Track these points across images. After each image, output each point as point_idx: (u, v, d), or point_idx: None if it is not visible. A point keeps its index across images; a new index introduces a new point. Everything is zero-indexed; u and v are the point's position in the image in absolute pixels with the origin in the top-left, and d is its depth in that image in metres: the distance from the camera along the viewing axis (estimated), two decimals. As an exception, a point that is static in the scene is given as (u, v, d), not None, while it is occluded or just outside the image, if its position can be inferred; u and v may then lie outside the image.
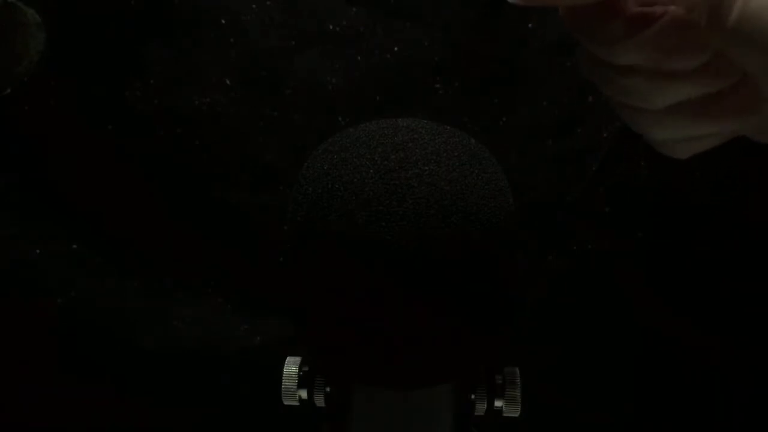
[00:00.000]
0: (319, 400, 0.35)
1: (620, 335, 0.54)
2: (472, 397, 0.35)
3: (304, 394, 0.35)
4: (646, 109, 0.30)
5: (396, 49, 0.49)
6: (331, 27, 0.49)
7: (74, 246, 0.54)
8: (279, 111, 0.51)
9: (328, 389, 0.35)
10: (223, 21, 0.49)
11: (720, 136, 0.30)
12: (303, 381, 0.35)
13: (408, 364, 0.31)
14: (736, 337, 0.54)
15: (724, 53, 0.26)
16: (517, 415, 0.35)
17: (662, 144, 0.31)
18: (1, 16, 0.45)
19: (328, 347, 0.33)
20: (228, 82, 0.50)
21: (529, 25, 0.49)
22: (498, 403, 0.35)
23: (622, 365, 0.55)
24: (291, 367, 0.36)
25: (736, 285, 0.53)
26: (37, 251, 0.53)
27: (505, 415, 0.35)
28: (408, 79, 0.50)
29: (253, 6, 0.49)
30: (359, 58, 0.50)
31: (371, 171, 0.30)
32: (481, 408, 0.35)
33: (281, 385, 0.35)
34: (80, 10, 0.50)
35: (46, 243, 0.53)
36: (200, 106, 0.50)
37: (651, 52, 0.28)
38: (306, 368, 0.36)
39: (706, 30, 0.26)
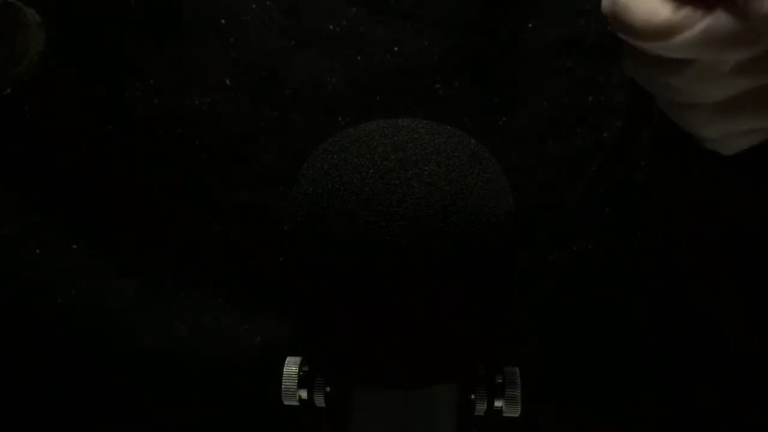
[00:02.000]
0: (319, 400, 0.35)
1: (620, 335, 0.55)
2: (472, 397, 0.35)
3: (304, 394, 0.35)
4: (698, 106, 0.30)
5: (396, 49, 0.49)
6: (331, 27, 0.49)
7: (74, 246, 0.54)
8: (279, 111, 0.51)
9: (328, 389, 0.35)
10: (223, 21, 0.49)
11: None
12: (303, 381, 0.35)
13: (408, 364, 0.31)
14: (737, 338, 0.54)
15: None
16: (517, 415, 0.35)
17: (713, 141, 0.31)
18: (1, 16, 0.45)
19: (328, 347, 0.33)
20: (228, 82, 0.50)
21: (529, 25, 0.49)
22: (498, 403, 0.35)
23: (623, 365, 0.55)
24: (291, 367, 0.36)
25: (736, 284, 0.53)
26: (37, 251, 0.53)
27: (505, 415, 0.35)
28: (408, 79, 0.50)
29: (253, 6, 0.49)
30: (359, 58, 0.50)
31: (371, 171, 0.30)
32: (481, 408, 0.35)
33: (281, 385, 0.35)
34: (80, 10, 0.50)
35: (46, 243, 0.53)
36: (200, 106, 0.50)
37: (706, 45, 0.28)
38: (306, 368, 0.36)
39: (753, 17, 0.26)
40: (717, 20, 0.27)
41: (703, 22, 0.27)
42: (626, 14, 0.29)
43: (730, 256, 0.53)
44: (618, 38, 0.31)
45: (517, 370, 0.35)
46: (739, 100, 0.30)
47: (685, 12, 0.28)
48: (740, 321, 0.53)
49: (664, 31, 0.28)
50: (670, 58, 0.29)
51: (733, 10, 0.27)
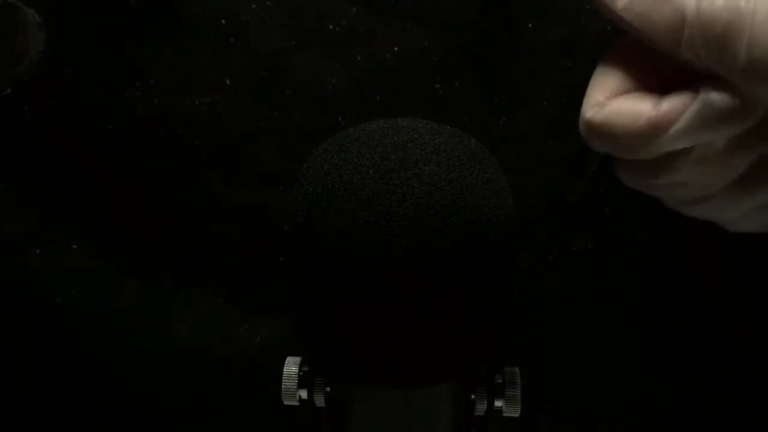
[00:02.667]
0: (319, 400, 0.35)
1: (620, 335, 0.54)
2: (472, 397, 0.35)
3: (304, 394, 0.35)
4: (708, 197, 0.30)
5: (396, 49, 0.49)
6: (331, 27, 0.49)
7: (74, 246, 0.54)
8: (279, 111, 0.51)
9: (328, 389, 0.35)
10: (223, 21, 0.49)
11: None
12: (303, 381, 0.35)
13: (408, 364, 0.31)
14: (737, 338, 0.54)
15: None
16: (517, 415, 0.35)
17: (736, 223, 0.31)
18: (1, 16, 0.45)
19: (328, 347, 0.33)
20: (228, 82, 0.50)
21: (529, 25, 0.49)
22: (498, 403, 0.35)
23: (623, 365, 0.55)
24: (291, 367, 0.36)
25: (736, 284, 0.53)
26: (37, 251, 0.53)
27: (505, 415, 0.35)
28: (408, 79, 0.50)
29: (253, 6, 0.49)
30: (359, 58, 0.50)
31: (371, 171, 0.30)
32: (481, 408, 0.35)
33: (281, 385, 0.35)
34: (80, 10, 0.50)
35: (46, 243, 0.53)
36: (200, 106, 0.50)
37: (700, 130, 0.27)
38: (306, 368, 0.36)
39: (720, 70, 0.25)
40: (705, 102, 0.26)
41: (691, 109, 0.26)
42: (605, 129, 0.27)
43: (729, 256, 0.53)
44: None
45: (517, 370, 0.35)
46: (748, 177, 0.29)
47: (668, 103, 0.27)
48: (740, 321, 0.53)
49: (652, 131, 0.27)
50: (663, 157, 0.28)
51: (720, 85, 0.26)
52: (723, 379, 0.55)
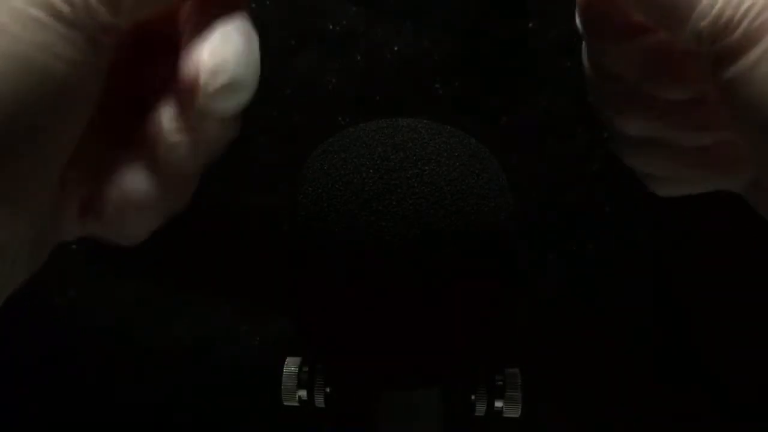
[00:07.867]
0: (319, 401, 0.35)
1: (621, 336, 0.54)
2: (472, 397, 0.35)
3: (304, 394, 0.35)
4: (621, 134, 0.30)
5: (396, 49, 0.49)
6: (331, 27, 0.49)
7: (74, 246, 0.54)
8: (279, 111, 0.51)
9: (328, 389, 0.35)
10: (223, 21, 0.49)
11: (701, 185, 0.29)
12: (303, 381, 0.35)
13: (408, 364, 0.31)
14: (738, 339, 0.54)
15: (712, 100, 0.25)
16: (517, 415, 0.35)
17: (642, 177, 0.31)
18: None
19: (327, 348, 0.33)
20: (228, 82, 0.50)
21: (530, 25, 0.49)
22: (498, 404, 0.35)
23: (623, 366, 0.55)
24: (291, 367, 0.36)
25: (736, 286, 0.53)
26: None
27: (505, 416, 0.35)
28: (408, 79, 0.50)
29: (253, 6, 0.49)
30: (359, 58, 0.50)
31: (371, 171, 0.30)
32: (481, 408, 0.35)
33: (281, 385, 0.35)
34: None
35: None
36: (200, 106, 0.50)
37: (635, 67, 0.27)
38: (306, 368, 0.36)
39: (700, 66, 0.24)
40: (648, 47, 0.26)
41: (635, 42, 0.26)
42: None
43: (730, 256, 0.53)
44: None
45: (517, 371, 0.35)
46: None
47: None
48: (741, 322, 0.53)
49: None
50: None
51: None
52: (725, 382, 0.55)
